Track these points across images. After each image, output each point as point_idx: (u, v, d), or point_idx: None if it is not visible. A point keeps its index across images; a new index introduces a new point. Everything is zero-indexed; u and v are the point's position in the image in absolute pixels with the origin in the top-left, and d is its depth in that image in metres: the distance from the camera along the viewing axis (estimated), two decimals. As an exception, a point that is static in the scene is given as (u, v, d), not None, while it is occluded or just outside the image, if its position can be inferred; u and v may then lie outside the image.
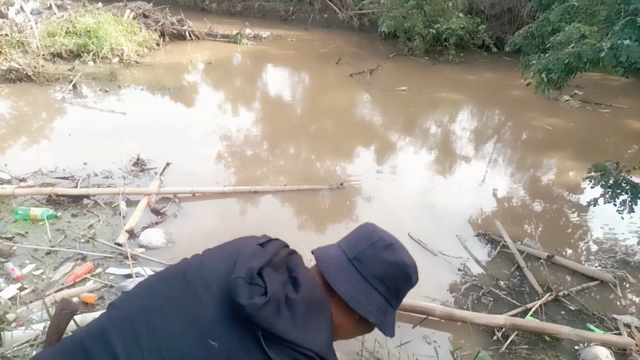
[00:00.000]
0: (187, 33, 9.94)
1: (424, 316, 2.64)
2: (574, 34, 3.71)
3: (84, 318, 2.17)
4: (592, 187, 3.77)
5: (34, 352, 2.09)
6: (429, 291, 2.89)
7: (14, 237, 3.04)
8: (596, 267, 3.32)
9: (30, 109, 5.72)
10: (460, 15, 9.66)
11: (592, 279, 3.12)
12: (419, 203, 4.05)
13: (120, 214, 3.37)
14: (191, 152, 4.70)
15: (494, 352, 2.46)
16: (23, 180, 3.78)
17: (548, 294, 2.88)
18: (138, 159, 4.26)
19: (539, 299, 2.84)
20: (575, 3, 3.99)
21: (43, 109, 5.71)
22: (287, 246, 0.92)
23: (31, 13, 8.39)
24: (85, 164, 4.14)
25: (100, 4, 9.45)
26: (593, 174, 3.68)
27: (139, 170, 4.13)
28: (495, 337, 2.54)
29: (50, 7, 9.26)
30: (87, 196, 3.59)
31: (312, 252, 0.89)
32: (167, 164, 4.25)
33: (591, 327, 2.67)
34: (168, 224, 3.41)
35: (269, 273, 0.77)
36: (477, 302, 2.85)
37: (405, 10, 9.58)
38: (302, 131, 5.83)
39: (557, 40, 3.88)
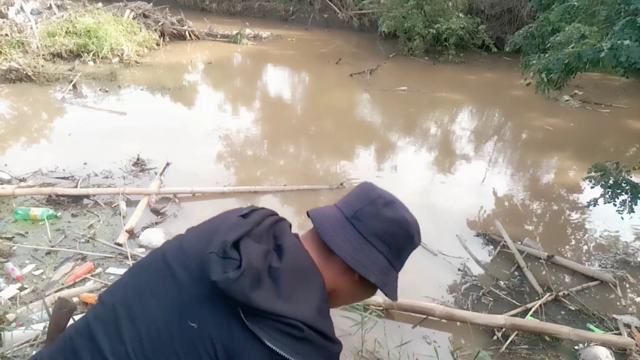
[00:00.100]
0: (187, 33, 9.94)
1: (424, 316, 2.64)
2: (574, 34, 3.71)
3: (84, 318, 2.17)
4: (592, 187, 3.77)
5: (34, 352, 2.09)
6: (429, 291, 2.89)
7: (14, 237, 3.04)
8: (596, 267, 3.32)
9: (30, 109, 5.72)
10: (460, 15, 9.65)
11: (592, 279, 3.12)
12: (419, 203, 4.05)
13: (120, 214, 3.37)
14: (191, 152, 4.70)
15: (494, 352, 2.46)
16: (23, 180, 3.78)
17: (548, 294, 2.88)
18: (138, 159, 4.26)
19: (539, 299, 2.84)
20: (575, 3, 3.99)
21: (43, 109, 5.71)
22: (275, 214, 0.88)
23: (31, 13, 8.39)
24: (85, 164, 4.14)
25: (100, 4, 9.45)
26: (593, 174, 3.67)
27: (139, 170, 4.13)
28: (495, 337, 2.54)
29: (50, 7, 9.26)
30: (87, 196, 3.59)
31: (308, 213, 0.85)
32: (167, 164, 4.25)
33: (591, 327, 2.67)
34: (168, 224, 3.41)
35: (247, 244, 0.73)
36: (477, 302, 2.85)
37: (405, 10, 9.58)
38: (302, 131, 5.83)
39: (557, 40, 3.88)
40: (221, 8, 14.32)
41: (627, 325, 2.69)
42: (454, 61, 9.48)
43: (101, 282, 2.68)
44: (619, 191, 3.38)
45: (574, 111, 6.94)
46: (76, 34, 7.88)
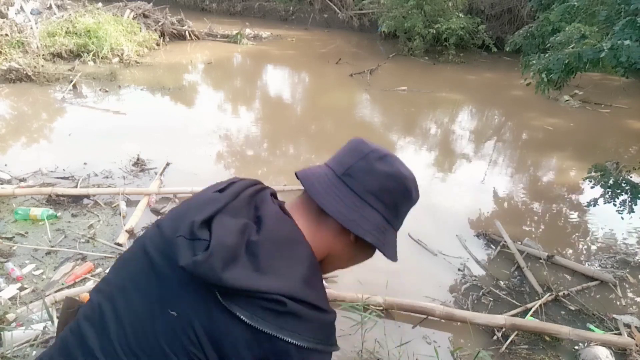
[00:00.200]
0: (187, 33, 9.94)
1: (424, 316, 2.63)
2: (574, 34, 3.71)
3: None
4: (592, 187, 3.77)
5: (34, 352, 2.09)
6: (429, 291, 2.89)
7: (14, 237, 3.04)
8: (596, 267, 3.32)
9: (30, 109, 5.72)
10: (460, 15, 9.65)
11: (592, 279, 3.11)
12: (419, 203, 4.03)
13: (120, 214, 3.37)
14: (191, 152, 4.70)
15: (494, 352, 2.46)
16: (23, 180, 3.78)
17: (548, 294, 2.88)
18: (138, 159, 4.26)
19: (539, 299, 2.83)
20: (576, 3, 3.99)
21: (43, 109, 5.71)
22: (257, 183, 0.82)
23: (31, 13, 8.39)
24: (85, 164, 4.14)
25: (100, 4, 9.45)
26: (593, 174, 3.68)
27: (139, 170, 4.13)
28: (495, 337, 2.54)
29: (50, 7, 9.26)
30: (87, 196, 3.59)
31: (296, 174, 0.80)
32: (167, 164, 4.25)
33: (591, 327, 2.67)
34: (168, 224, 3.40)
35: (220, 221, 0.68)
36: (477, 302, 2.85)
37: (405, 10, 9.58)
38: (302, 131, 5.83)
39: (557, 40, 3.88)
40: (221, 8, 14.33)
41: (627, 325, 2.69)
42: (454, 61, 9.48)
43: (101, 282, 2.68)
44: (619, 191, 3.38)
45: (574, 111, 6.94)
46: (76, 34, 7.88)
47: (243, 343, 0.62)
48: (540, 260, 3.25)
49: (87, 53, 7.63)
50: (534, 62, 3.72)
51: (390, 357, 2.27)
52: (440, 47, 9.89)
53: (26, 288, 2.60)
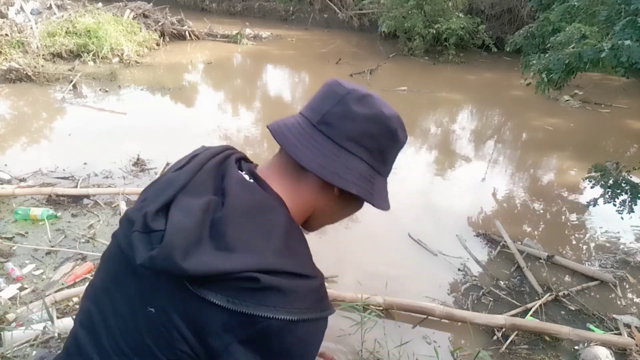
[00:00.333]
0: (187, 33, 9.94)
1: (424, 316, 2.63)
2: (574, 34, 3.71)
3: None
4: (592, 187, 3.77)
5: (34, 352, 2.09)
6: (429, 291, 2.89)
7: (14, 237, 3.04)
8: (596, 267, 3.32)
9: (30, 109, 5.72)
10: (460, 15, 9.66)
11: (592, 279, 3.11)
12: (419, 203, 4.05)
13: (120, 214, 3.37)
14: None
15: (494, 352, 2.46)
16: (23, 180, 3.78)
17: (548, 294, 2.88)
18: (138, 159, 4.26)
19: (539, 299, 2.83)
20: (576, 3, 3.99)
21: (43, 109, 5.71)
22: (225, 150, 0.75)
23: (31, 13, 8.39)
24: (85, 164, 4.14)
25: (100, 4, 9.45)
26: (593, 174, 3.68)
27: (139, 170, 4.13)
28: (495, 337, 2.54)
29: (50, 7, 9.26)
30: (87, 196, 3.59)
31: (268, 127, 0.73)
32: (167, 164, 4.25)
33: (591, 327, 2.67)
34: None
35: (179, 204, 0.63)
36: (477, 302, 2.85)
37: (405, 10, 9.58)
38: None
39: (558, 40, 3.88)
40: (221, 8, 14.33)
41: (627, 325, 2.69)
42: (454, 61, 9.48)
43: (101, 282, 2.68)
44: (618, 191, 3.38)
45: (574, 111, 6.94)
46: (76, 34, 7.88)
47: (224, 328, 0.58)
48: (540, 260, 3.25)
49: (87, 53, 7.63)
50: (534, 62, 3.72)
51: (390, 357, 2.27)
52: (440, 47, 9.89)
53: (26, 288, 2.59)
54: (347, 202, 0.73)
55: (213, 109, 6.46)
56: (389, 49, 10.34)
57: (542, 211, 4.17)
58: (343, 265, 3.08)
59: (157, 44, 9.03)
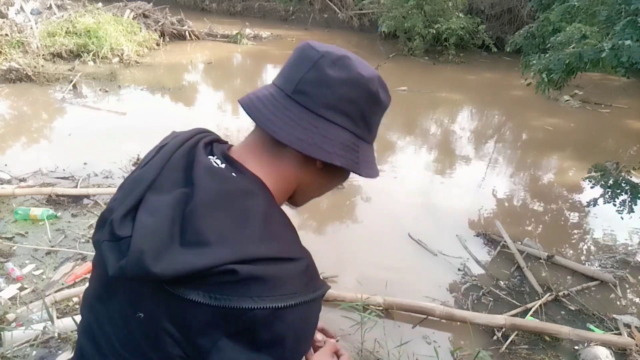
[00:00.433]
0: (187, 33, 9.94)
1: (424, 316, 2.63)
2: (574, 34, 3.71)
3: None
4: (592, 187, 3.78)
5: (34, 352, 2.09)
6: (429, 291, 2.89)
7: (14, 237, 3.04)
8: (596, 267, 3.32)
9: (30, 109, 5.72)
10: (460, 15, 9.66)
11: (592, 279, 3.12)
12: (419, 203, 4.05)
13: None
14: (191, 152, 4.70)
15: (494, 352, 2.46)
16: (23, 180, 3.78)
17: (548, 294, 2.88)
18: (138, 159, 4.26)
19: (539, 299, 2.83)
20: (576, 3, 3.99)
21: (43, 109, 5.71)
22: (196, 134, 0.70)
23: (31, 13, 8.39)
24: (85, 164, 4.14)
25: (100, 4, 9.45)
26: (593, 174, 3.68)
27: (139, 170, 4.13)
28: (495, 337, 2.54)
29: (50, 7, 9.26)
30: (87, 196, 3.59)
31: (239, 101, 0.68)
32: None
33: (591, 327, 2.67)
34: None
35: (146, 204, 0.59)
36: (477, 302, 2.85)
37: (405, 10, 9.58)
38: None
39: (558, 40, 3.88)
40: (221, 8, 14.33)
41: (627, 325, 2.69)
42: (454, 61, 9.49)
43: (101, 282, 2.68)
44: (618, 191, 3.38)
45: (574, 111, 6.94)
46: (76, 34, 7.88)
47: (210, 325, 0.56)
48: (540, 260, 3.25)
49: (87, 53, 7.63)
50: (535, 62, 3.72)
51: (390, 357, 2.27)
52: (440, 47, 9.89)
53: (26, 288, 2.59)
54: (332, 173, 0.69)
55: (213, 108, 6.46)
56: (389, 49, 10.34)
57: (542, 211, 4.17)
58: (343, 265, 3.08)
59: (157, 44, 9.03)
